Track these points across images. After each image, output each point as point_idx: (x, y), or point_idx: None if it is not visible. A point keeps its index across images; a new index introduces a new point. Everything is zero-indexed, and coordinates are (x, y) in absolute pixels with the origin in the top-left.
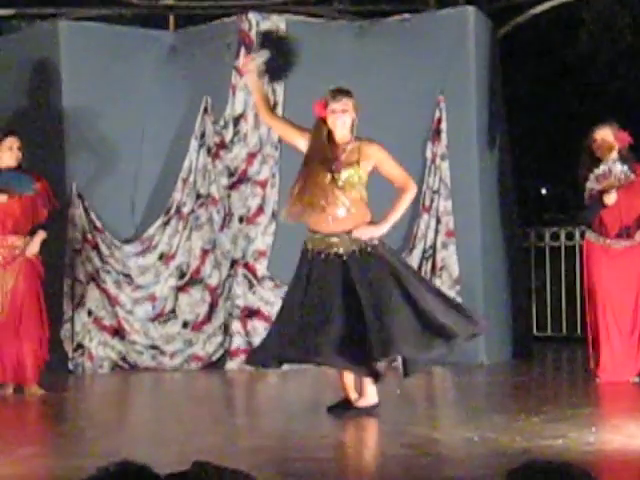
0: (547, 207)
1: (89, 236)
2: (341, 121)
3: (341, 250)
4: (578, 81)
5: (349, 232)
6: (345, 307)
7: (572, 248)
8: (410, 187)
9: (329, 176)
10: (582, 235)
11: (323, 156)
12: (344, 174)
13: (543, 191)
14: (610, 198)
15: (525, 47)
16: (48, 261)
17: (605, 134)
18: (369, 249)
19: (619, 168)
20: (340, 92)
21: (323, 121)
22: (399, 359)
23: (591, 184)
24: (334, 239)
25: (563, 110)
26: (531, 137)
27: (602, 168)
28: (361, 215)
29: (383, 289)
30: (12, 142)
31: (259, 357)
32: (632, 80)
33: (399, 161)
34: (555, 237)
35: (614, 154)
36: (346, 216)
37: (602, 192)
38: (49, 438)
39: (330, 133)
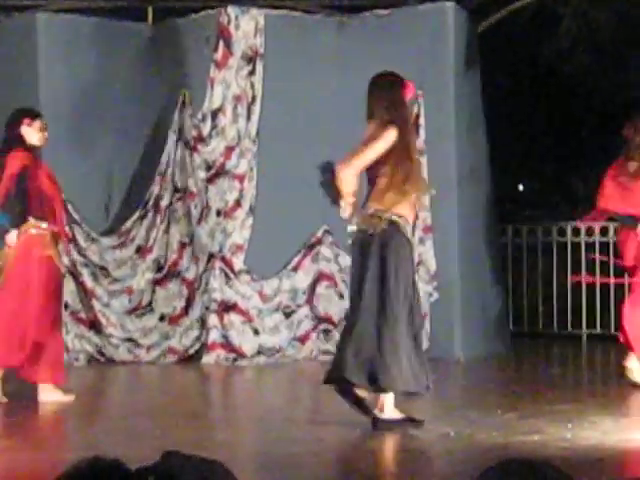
0: (523, 203)
1: (66, 229)
2: None
3: None
4: (556, 77)
5: None
6: None
7: (549, 244)
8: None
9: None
10: (559, 232)
11: (412, 140)
12: None
13: (520, 187)
14: None
15: (504, 43)
16: None
17: None
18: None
19: None
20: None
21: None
22: None
23: None
24: None
25: (541, 106)
26: (509, 133)
27: None
28: None
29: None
30: (42, 124)
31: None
32: (610, 76)
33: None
34: (532, 233)
35: None
36: None
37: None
38: (25, 431)
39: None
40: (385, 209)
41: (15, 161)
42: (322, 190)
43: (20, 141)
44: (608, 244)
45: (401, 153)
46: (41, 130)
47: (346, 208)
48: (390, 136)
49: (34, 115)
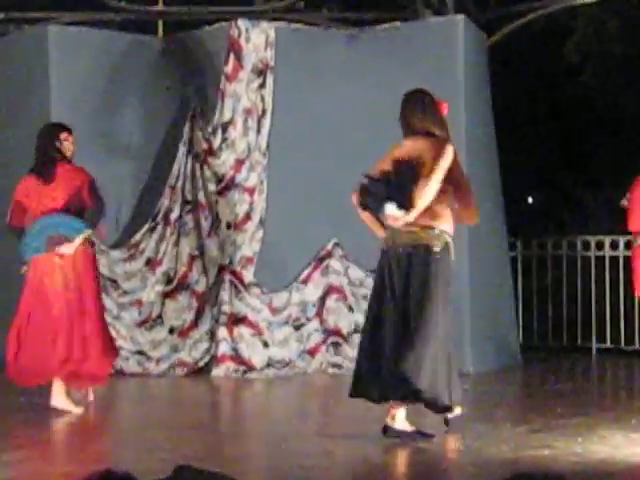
0: (533, 216)
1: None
2: None
3: None
4: (567, 91)
5: None
6: None
7: (559, 258)
8: None
9: None
10: (569, 245)
11: None
12: None
13: (529, 200)
14: None
15: (514, 57)
16: None
17: None
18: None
19: None
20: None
21: None
22: None
23: None
24: None
25: (552, 119)
26: (518, 146)
27: None
28: None
29: None
30: (72, 137)
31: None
32: (621, 89)
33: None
34: (542, 247)
35: None
36: None
37: None
38: (36, 443)
39: None
40: (438, 226)
41: (82, 171)
42: (371, 203)
43: (61, 153)
44: (618, 258)
45: (458, 170)
46: (73, 144)
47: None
48: (451, 154)
49: (70, 130)
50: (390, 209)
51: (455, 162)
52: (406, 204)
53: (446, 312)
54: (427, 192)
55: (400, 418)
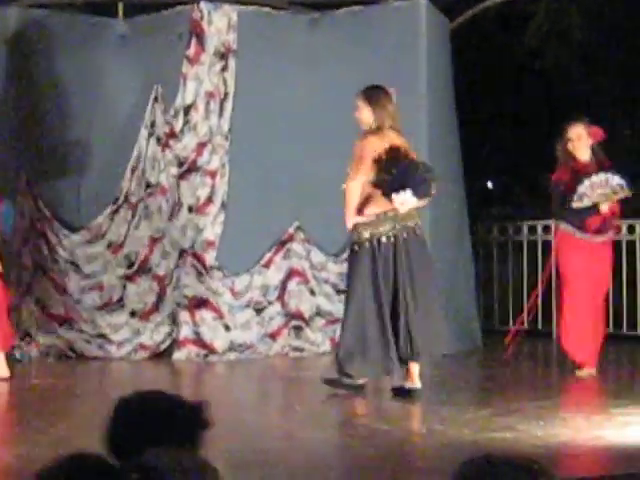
0: (493, 201)
1: (37, 225)
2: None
3: None
4: (526, 74)
5: None
6: None
7: (519, 242)
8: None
9: None
10: (530, 230)
11: None
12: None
13: (489, 185)
14: (605, 207)
15: (476, 40)
16: None
17: (579, 131)
18: None
19: (617, 180)
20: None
21: None
22: None
23: (583, 189)
24: None
25: (511, 103)
26: (478, 130)
27: (601, 176)
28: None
29: None
30: None
31: None
32: (580, 73)
33: (357, 155)
34: (503, 231)
35: (588, 151)
36: None
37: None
38: None
39: None
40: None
41: None
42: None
43: None
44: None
45: None
46: None
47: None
48: None
49: None
50: (407, 196)
51: None
52: (428, 192)
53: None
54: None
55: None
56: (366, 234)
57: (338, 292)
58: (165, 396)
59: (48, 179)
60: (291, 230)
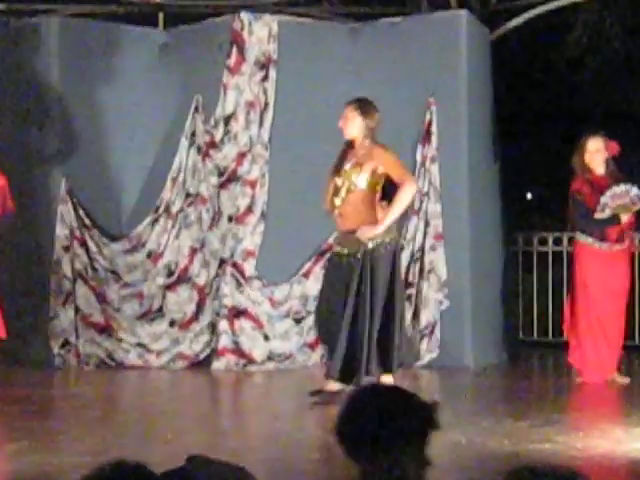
0: (532, 212)
1: (77, 233)
2: (346, 127)
3: (346, 250)
4: (566, 86)
5: (354, 232)
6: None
7: (559, 253)
8: (406, 183)
9: (337, 179)
10: (570, 241)
11: (336, 162)
12: (352, 176)
13: (528, 196)
14: (626, 217)
15: (516, 51)
16: (36, 257)
17: (597, 144)
18: (370, 251)
19: (635, 191)
20: (347, 102)
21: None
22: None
23: (606, 199)
24: (344, 238)
25: (552, 114)
26: (518, 141)
27: (622, 187)
28: (367, 215)
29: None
30: None
31: None
32: (618, 86)
33: (401, 161)
34: (543, 242)
35: (604, 164)
36: (350, 216)
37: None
38: (36, 435)
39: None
40: None
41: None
42: None
43: None
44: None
45: None
46: None
47: None
48: None
49: None
50: None
51: None
52: None
53: None
54: None
55: None
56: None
57: None
58: (401, 391)
59: (89, 187)
60: (330, 240)
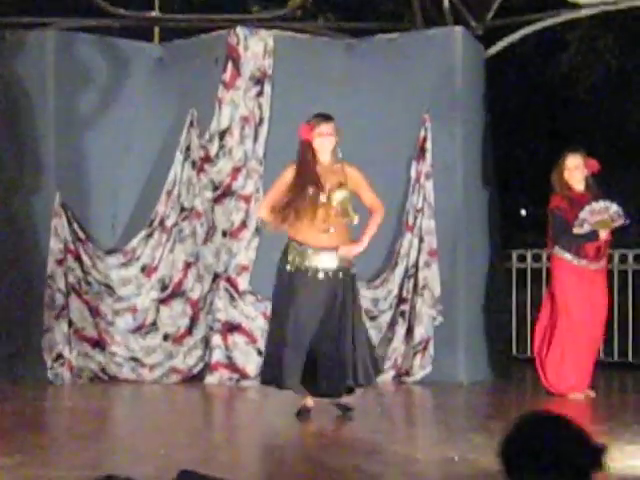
0: (526, 228)
1: (71, 246)
2: (328, 143)
3: (327, 267)
4: (561, 102)
5: (335, 249)
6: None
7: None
8: (380, 209)
9: (322, 196)
10: None
11: (316, 177)
12: (338, 195)
13: (523, 212)
14: (604, 234)
15: (511, 68)
16: (30, 270)
17: (577, 161)
18: (349, 270)
19: (615, 208)
20: (325, 116)
21: (308, 144)
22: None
23: (584, 214)
24: (322, 254)
25: (546, 130)
26: (513, 157)
27: (601, 204)
28: (345, 234)
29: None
30: None
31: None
32: (614, 102)
33: (372, 183)
34: (537, 259)
35: (583, 181)
36: (338, 234)
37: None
38: (29, 449)
39: (314, 156)
40: None
41: None
42: None
43: None
44: (612, 272)
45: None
46: None
47: None
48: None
49: None
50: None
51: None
52: None
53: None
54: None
55: None
56: None
57: (371, 318)
58: (574, 425)
59: (83, 201)
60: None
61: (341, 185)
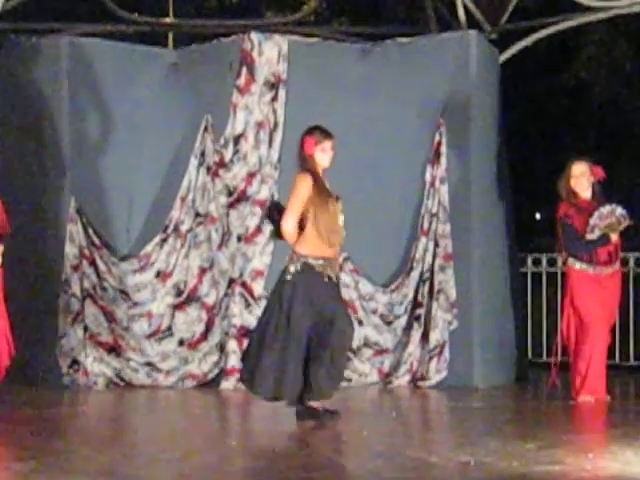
0: (541, 232)
1: (87, 252)
2: (328, 159)
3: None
4: (576, 106)
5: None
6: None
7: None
8: None
9: (335, 206)
10: None
11: (327, 190)
12: (339, 205)
13: (537, 216)
14: (615, 237)
15: (525, 71)
16: (45, 276)
17: (583, 169)
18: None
19: (619, 210)
20: (327, 132)
21: (312, 158)
22: None
23: (594, 220)
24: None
25: (561, 134)
26: (527, 161)
27: (608, 207)
28: None
29: None
30: None
31: None
32: (629, 106)
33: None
34: (552, 263)
35: (589, 189)
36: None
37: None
38: (45, 454)
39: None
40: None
41: None
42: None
43: None
44: (628, 274)
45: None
46: None
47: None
48: (296, 182)
49: None
50: None
51: (295, 187)
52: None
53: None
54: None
55: None
56: None
57: (387, 323)
58: None
59: (98, 206)
60: (340, 260)
61: (337, 199)
